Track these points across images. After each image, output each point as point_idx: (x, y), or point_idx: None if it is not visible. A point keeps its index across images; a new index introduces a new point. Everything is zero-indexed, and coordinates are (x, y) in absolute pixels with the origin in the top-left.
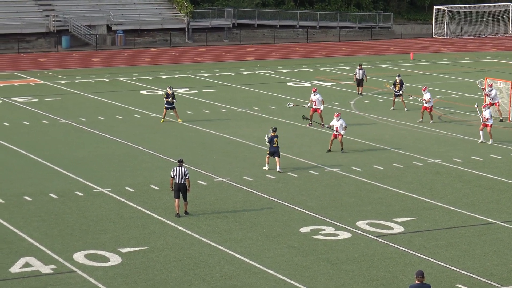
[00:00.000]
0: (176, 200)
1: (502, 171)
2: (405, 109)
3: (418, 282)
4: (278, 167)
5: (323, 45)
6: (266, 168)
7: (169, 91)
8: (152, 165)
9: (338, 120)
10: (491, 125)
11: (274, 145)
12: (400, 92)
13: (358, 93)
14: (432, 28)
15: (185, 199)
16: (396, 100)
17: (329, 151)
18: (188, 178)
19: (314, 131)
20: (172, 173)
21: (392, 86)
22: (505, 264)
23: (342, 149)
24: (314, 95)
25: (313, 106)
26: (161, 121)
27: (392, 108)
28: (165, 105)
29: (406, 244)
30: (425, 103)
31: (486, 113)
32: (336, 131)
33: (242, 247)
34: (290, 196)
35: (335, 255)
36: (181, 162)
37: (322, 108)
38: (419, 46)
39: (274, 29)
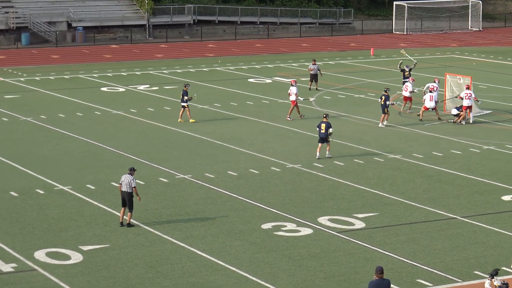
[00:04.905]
0: (122, 208)
1: (462, 166)
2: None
3: (377, 277)
4: (317, 153)
5: (283, 41)
6: (317, 156)
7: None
8: (113, 163)
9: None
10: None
11: (322, 131)
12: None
13: (309, 88)
14: (392, 24)
15: (129, 209)
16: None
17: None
18: (135, 187)
19: (275, 127)
20: (120, 180)
21: (405, 66)
22: (465, 259)
23: None
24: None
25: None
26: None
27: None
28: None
29: (367, 239)
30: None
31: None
32: None
33: (204, 244)
34: (252, 192)
35: (296, 251)
36: (131, 170)
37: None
38: (380, 42)
39: (235, 26)
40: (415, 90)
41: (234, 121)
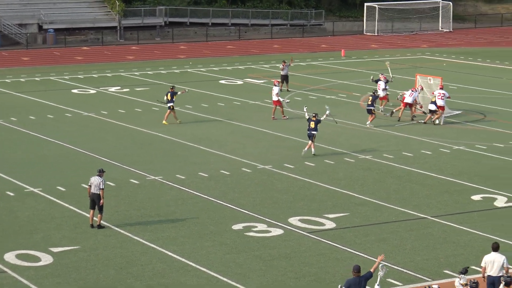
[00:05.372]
0: (91, 210)
1: (432, 167)
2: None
3: (354, 276)
4: (312, 149)
5: (255, 43)
6: (313, 152)
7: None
8: (84, 164)
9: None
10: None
11: (311, 126)
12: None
13: (280, 89)
14: (363, 25)
15: (99, 211)
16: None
17: None
18: (102, 189)
19: (246, 128)
20: (90, 181)
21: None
22: (435, 258)
23: None
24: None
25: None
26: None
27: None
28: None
29: (337, 240)
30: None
31: None
32: None
33: (175, 245)
34: (223, 193)
35: (267, 251)
36: (100, 172)
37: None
38: (351, 43)
39: (206, 27)
40: (387, 87)
41: (206, 123)
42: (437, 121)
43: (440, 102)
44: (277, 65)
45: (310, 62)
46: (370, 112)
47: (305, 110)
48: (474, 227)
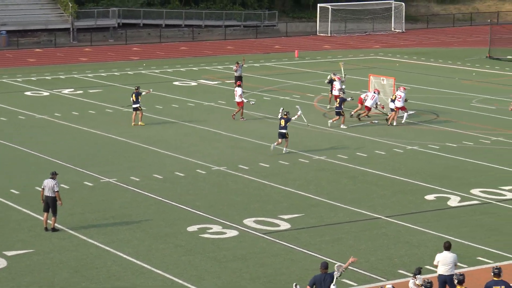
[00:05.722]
0: (45, 213)
1: (386, 167)
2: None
3: (321, 272)
4: (284, 148)
5: (208, 44)
6: (272, 147)
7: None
8: (38, 167)
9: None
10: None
11: (281, 125)
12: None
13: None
14: (316, 26)
15: (53, 213)
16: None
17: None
18: (57, 191)
19: (201, 130)
20: (43, 184)
21: (334, 76)
22: (389, 258)
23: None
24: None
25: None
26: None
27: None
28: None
29: (292, 240)
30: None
31: None
32: None
33: (130, 247)
34: (177, 195)
35: (222, 253)
36: (53, 175)
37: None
38: (304, 44)
39: (160, 29)
40: (343, 86)
41: (160, 125)
42: (394, 123)
43: (397, 104)
44: (230, 66)
45: (264, 63)
46: (339, 114)
47: (280, 110)
48: (428, 227)
